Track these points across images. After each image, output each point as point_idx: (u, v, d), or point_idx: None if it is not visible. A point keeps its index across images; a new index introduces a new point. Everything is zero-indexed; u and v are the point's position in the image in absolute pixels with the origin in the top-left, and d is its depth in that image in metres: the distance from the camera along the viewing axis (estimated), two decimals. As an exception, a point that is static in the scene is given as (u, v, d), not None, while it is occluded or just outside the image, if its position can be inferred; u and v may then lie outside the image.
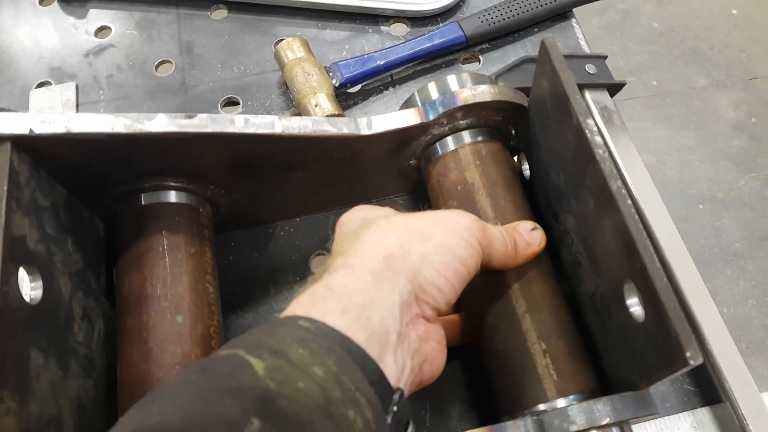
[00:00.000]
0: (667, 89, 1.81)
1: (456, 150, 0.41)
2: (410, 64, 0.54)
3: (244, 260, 0.47)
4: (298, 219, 0.48)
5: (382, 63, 0.52)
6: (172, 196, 0.40)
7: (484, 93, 0.40)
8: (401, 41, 0.54)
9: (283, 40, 0.53)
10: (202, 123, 0.36)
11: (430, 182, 0.43)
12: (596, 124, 0.34)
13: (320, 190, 0.46)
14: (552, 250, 0.40)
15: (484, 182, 0.40)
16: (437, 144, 0.43)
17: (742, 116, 1.73)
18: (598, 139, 0.31)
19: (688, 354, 0.26)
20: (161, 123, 0.35)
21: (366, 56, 0.53)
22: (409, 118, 0.40)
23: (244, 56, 0.57)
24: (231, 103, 0.55)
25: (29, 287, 0.32)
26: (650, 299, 0.29)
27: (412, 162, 0.45)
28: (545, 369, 0.35)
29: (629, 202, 0.30)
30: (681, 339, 0.26)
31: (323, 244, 0.47)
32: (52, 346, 0.32)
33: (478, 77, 0.43)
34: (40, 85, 0.56)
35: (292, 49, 0.52)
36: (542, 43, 0.35)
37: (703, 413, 0.41)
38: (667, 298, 0.27)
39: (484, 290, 0.38)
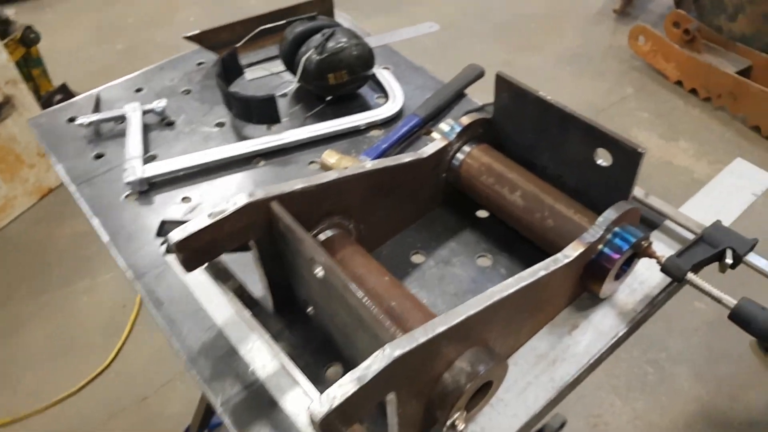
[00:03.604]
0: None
1: (470, 152, 0.73)
2: (400, 143, 0.86)
3: (373, 273, 0.70)
4: (390, 242, 0.74)
5: (385, 146, 0.84)
6: (338, 230, 0.65)
7: (470, 117, 0.73)
8: (391, 131, 0.87)
9: (321, 156, 0.82)
10: (349, 170, 0.63)
11: (461, 177, 0.73)
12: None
13: (399, 209, 0.73)
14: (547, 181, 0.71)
15: (493, 161, 0.71)
16: (456, 157, 0.73)
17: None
18: (549, 96, 0.65)
19: (638, 149, 0.59)
20: (332, 174, 0.61)
21: (375, 146, 0.84)
22: (441, 142, 0.71)
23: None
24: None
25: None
26: (611, 146, 0.61)
27: (444, 175, 0.75)
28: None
29: (577, 113, 0.63)
30: (632, 144, 0.59)
31: (414, 246, 0.73)
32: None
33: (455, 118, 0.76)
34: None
35: (331, 156, 0.81)
36: (497, 75, 0.69)
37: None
38: (618, 137, 0.60)
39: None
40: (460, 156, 0.73)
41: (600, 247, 0.61)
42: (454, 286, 0.69)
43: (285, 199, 0.58)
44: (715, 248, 0.65)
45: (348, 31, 0.92)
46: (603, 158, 0.64)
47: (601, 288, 0.63)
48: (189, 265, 0.54)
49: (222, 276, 0.66)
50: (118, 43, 3.15)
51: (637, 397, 1.62)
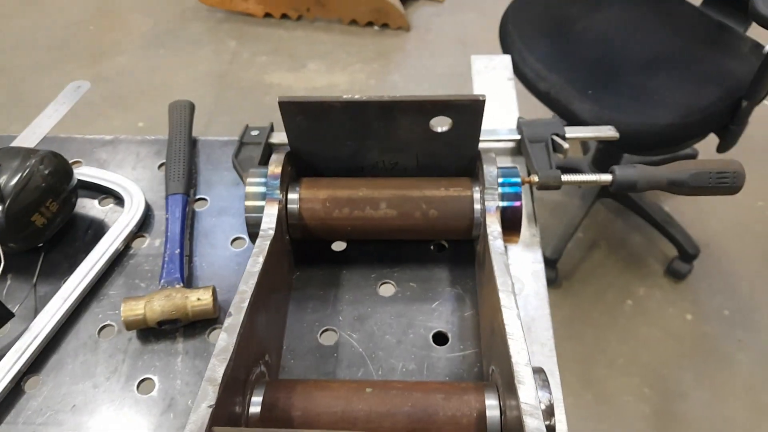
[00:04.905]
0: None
1: (300, 198, 0.60)
2: (186, 233, 0.67)
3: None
4: (286, 347, 0.58)
5: (180, 250, 0.64)
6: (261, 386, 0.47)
7: (277, 161, 0.59)
8: (168, 230, 0.66)
9: (122, 314, 0.58)
10: (230, 325, 0.45)
11: (307, 226, 0.60)
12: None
13: (275, 306, 0.58)
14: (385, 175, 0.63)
15: (330, 190, 0.60)
16: (289, 209, 0.60)
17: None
18: (357, 95, 0.56)
19: (480, 98, 0.55)
20: (227, 346, 0.43)
21: (166, 257, 0.63)
22: (273, 206, 0.56)
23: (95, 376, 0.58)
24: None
25: None
26: (449, 110, 0.56)
27: (287, 237, 0.61)
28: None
29: (399, 96, 0.56)
30: (471, 97, 0.55)
31: (312, 329, 0.59)
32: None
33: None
34: None
35: (133, 307, 0.58)
36: (282, 102, 0.56)
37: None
38: (455, 98, 0.55)
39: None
40: (292, 206, 0.60)
41: (501, 204, 0.58)
42: (391, 336, 0.59)
43: (218, 412, 0.38)
44: (544, 142, 0.69)
45: (9, 149, 0.63)
46: (440, 125, 0.59)
47: (519, 237, 0.61)
48: None
49: None
50: None
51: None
